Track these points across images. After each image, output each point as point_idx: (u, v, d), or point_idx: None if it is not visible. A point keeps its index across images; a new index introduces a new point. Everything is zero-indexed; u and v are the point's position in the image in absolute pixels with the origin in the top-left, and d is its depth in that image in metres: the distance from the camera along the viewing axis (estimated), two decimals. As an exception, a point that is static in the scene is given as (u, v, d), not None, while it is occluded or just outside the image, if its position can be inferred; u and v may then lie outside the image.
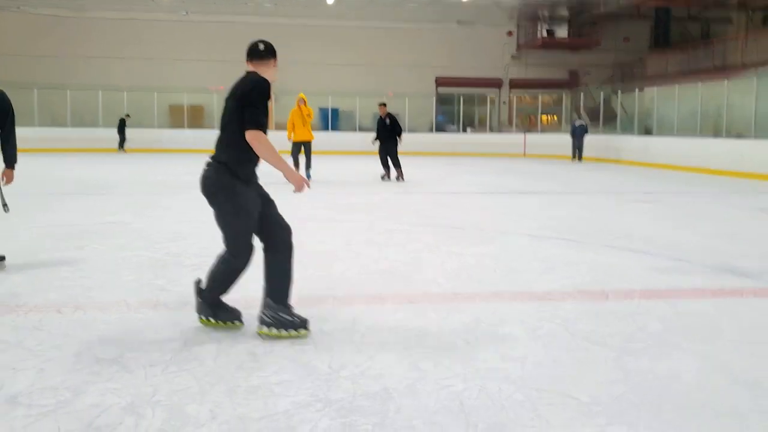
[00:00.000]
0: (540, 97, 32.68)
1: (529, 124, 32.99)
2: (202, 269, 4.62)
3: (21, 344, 3.73)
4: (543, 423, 2.82)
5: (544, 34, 31.40)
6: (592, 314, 4.47)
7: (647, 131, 23.99)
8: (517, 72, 33.54)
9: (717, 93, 19.20)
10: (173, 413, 2.85)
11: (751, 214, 10.21)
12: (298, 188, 3.78)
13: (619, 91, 25.85)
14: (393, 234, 7.62)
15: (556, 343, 3.88)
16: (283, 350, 3.66)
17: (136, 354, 3.58)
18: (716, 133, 19.70)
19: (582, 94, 30.60)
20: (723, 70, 22.86)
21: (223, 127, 3.76)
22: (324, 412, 2.88)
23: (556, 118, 33.90)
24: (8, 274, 5.37)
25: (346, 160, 22.91)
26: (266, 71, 3.80)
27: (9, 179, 5.50)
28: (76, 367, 3.37)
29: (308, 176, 12.98)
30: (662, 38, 33.59)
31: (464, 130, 31.14)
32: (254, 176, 3.82)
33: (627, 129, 25.65)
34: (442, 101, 32.55)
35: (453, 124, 32.38)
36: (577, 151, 24.00)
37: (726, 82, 19.10)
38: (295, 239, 3.94)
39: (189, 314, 4.16)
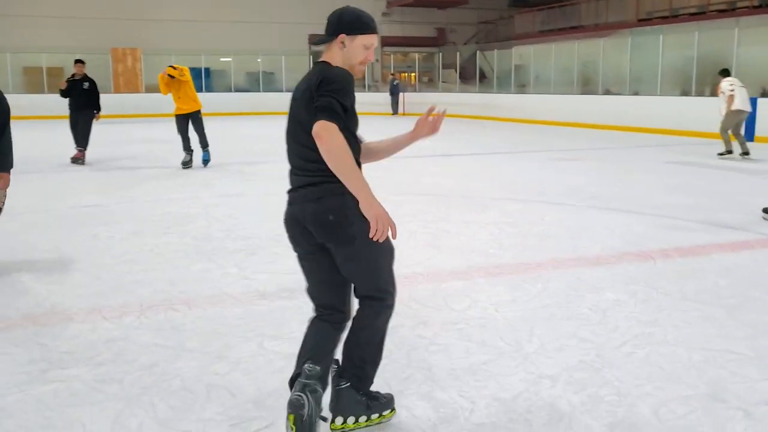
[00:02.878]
0: (414, 56, 33.12)
1: (405, 83, 33.40)
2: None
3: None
4: (732, 378, 3.04)
5: (414, -10, 31.74)
6: (659, 275, 4.78)
7: (521, 89, 25.16)
8: (388, 30, 33.69)
9: (593, 51, 20.46)
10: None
11: (675, 167, 11.11)
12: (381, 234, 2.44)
13: (495, 51, 26.76)
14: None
15: (668, 305, 4.13)
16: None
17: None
18: (589, 90, 21.10)
19: (443, 53, 31.36)
20: (595, 28, 24.29)
21: None
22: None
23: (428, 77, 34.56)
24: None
25: (227, 123, 22.11)
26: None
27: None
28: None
29: (206, 158, 10.81)
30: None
31: (341, 89, 30.92)
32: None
33: (501, 87, 26.75)
34: (317, 59, 32.05)
35: (328, 82, 32.09)
36: (395, 107, 26.44)
37: (602, 41, 20.38)
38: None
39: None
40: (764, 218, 6.60)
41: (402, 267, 4.90)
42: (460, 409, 2.85)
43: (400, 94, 27.73)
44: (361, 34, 2.52)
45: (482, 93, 26.20)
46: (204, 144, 10.81)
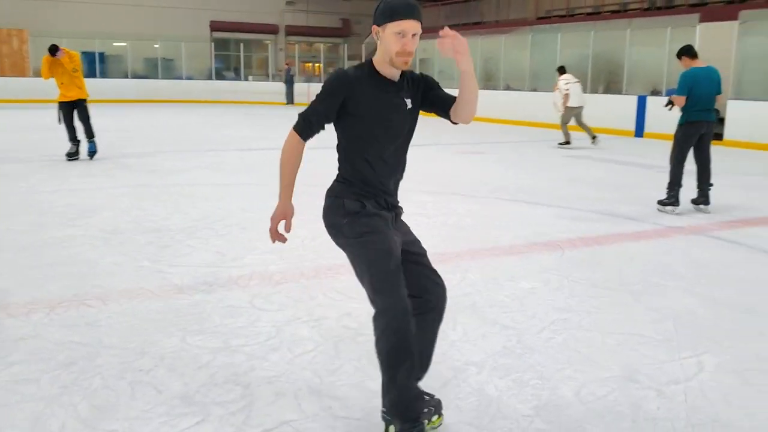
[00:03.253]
0: (319, 46, 32.91)
1: (310, 73, 33.20)
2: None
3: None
4: (643, 360, 3.23)
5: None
6: (569, 264, 4.99)
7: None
8: (293, 19, 33.34)
9: (495, 47, 21.00)
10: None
11: (573, 161, 11.60)
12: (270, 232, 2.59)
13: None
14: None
15: (579, 291, 4.32)
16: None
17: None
18: (491, 85, 21.67)
19: (347, 45, 31.38)
20: (496, 25, 24.88)
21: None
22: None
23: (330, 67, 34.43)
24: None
25: (124, 111, 21.30)
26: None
27: None
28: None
29: (92, 149, 10.08)
30: (426, -9, 35.57)
31: (246, 78, 30.38)
32: (381, 197, 2.61)
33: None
34: (219, 47, 31.36)
35: (230, 70, 31.48)
36: (290, 96, 26.45)
37: (503, 37, 20.95)
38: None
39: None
40: (659, 209, 7.02)
41: (323, 258, 4.92)
42: (392, 397, 2.88)
43: (295, 84, 27.58)
44: (390, 21, 2.34)
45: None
46: (90, 135, 10.02)
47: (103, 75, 27.94)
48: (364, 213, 2.48)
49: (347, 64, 30.14)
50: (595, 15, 21.36)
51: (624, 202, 7.58)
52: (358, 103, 2.41)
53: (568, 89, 12.95)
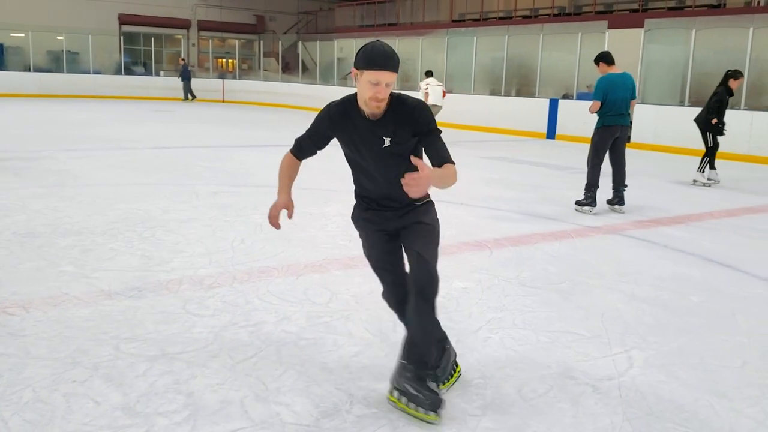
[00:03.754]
0: (234, 42, 32.30)
1: (224, 69, 32.56)
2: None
3: None
4: (577, 357, 3.36)
5: (233, -25, 30.89)
6: (497, 263, 5.12)
7: (344, 81, 25.53)
8: (205, 14, 32.59)
9: (412, 48, 21.22)
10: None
11: (490, 162, 11.87)
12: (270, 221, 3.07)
13: (318, 42, 26.83)
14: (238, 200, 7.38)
15: (510, 291, 4.43)
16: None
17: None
18: (409, 87, 21.90)
19: (263, 41, 30.98)
20: (411, 27, 25.14)
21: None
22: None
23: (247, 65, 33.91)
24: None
25: (27, 106, 20.30)
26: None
27: None
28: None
29: None
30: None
31: (157, 74, 29.46)
32: (372, 206, 2.94)
33: (324, 79, 26.92)
34: (129, 41, 30.27)
35: (140, 65, 30.47)
36: (187, 92, 25.98)
37: (421, 39, 21.20)
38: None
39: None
40: (577, 210, 7.29)
41: (254, 261, 4.85)
42: (340, 402, 2.88)
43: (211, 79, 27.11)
44: (367, 69, 2.55)
45: (306, 84, 26.22)
46: None
47: (2, 67, 26.52)
48: (357, 218, 3.00)
49: (262, 61, 29.81)
50: (507, 19, 21.95)
51: (542, 202, 7.83)
52: (340, 135, 2.80)
53: (427, 89, 14.83)
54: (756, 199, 8.70)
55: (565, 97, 17.09)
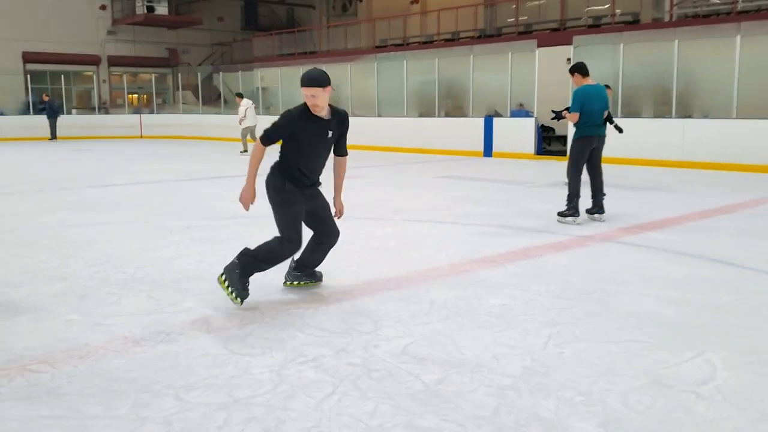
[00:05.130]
0: (148, 76, 31.35)
1: (141, 104, 31.52)
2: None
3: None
4: (657, 364, 3.27)
5: (144, 10, 30.07)
6: (519, 278, 5.01)
7: (268, 110, 25.18)
8: (115, 49, 31.54)
9: (342, 74, 21.16)
10: None
11: (447, 181, 11.86)
12: (241, 201, 4.27)
13: (240, 72, 26.38)
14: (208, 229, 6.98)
15: (549, 304, 4.32)
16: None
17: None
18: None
19: (182, 73, 30.28)
20: (328, 54, 25.10)
21: None
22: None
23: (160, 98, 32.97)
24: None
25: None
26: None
27: None
28: None
29: None
30: (252, 20, 35.27)
31: (69, 112, 28.15)
32: (305, 180, 4.32)
33: (235, 108, 26.40)
34: (35, 80, 28.84)
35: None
36: (53, 130, 24.51)
37: (349, 65, 21.18)
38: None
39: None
40: (559, 221, 7.32)
41: (272, 293, 4.63)
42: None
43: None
44: (303, 87, 4.03)
45: (229, 114, 25.67)
46: None
47: None
48: (283, 189, 4.24)
49: (181, 94, 29.06)
50: (429, 43, 22.27)
51: (521, 216, 7.83)
52: (298, 131, 4.14)
53: (246, 110, 17.75)
54: (713, 201, 9.01)
55: (496, 115, 17.40)
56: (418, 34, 23.63)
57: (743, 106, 13.15)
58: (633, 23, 17.66)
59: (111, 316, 4.18)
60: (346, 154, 4.53)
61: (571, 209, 7.26)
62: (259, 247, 4.29)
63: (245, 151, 17.72)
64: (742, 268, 5.35)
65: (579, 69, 7.31)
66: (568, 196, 7.30)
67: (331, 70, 21.06)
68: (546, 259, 5.67)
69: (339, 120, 4.26)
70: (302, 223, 4.35)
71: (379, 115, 20.10)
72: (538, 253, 5.91)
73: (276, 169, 4.28)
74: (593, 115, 7.17)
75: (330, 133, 4.23)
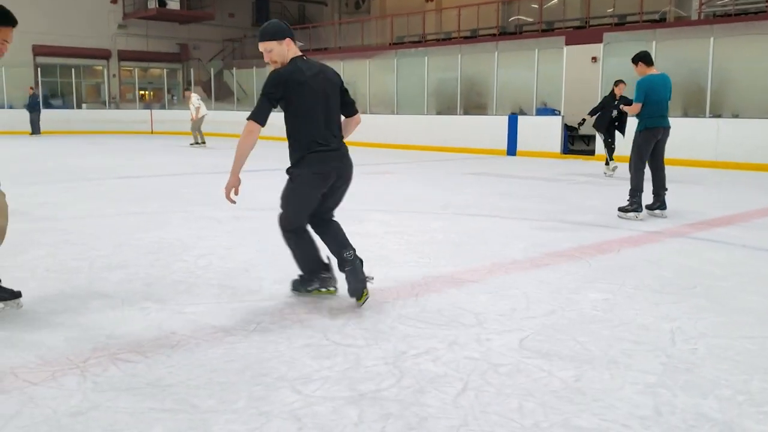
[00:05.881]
0: (158, 71, 31.07)
1: (150, 99, 31.21)
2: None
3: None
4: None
5: (156, 4, 29.74)
6: (607, 272, 4.73)
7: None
8: (126, 43, 31.22)
9: (359, 71, 20.88)
10: None
11: (479, 178, 11.59)
12: (225, 193, 3.71)
13: (254, 68, 26.07)
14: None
15: (651, 298, 4.04)
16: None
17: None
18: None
19: (193, 69, 29.97)
20: (343, 50, 24.82)
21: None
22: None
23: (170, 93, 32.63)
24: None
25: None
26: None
27: None
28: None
29: None
30: (264, 16, 34.96)
31: (79, 106, 27.84)
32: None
33: (248, 104, 26.15)
34: (45, 73, 28.52)
35: (58, 98, 28.78)
36: (35, 125, 23.65)
37: (368, 61, 20.90)
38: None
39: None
40: (620, 216, 7.03)
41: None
42: (621, 434, 2.38)
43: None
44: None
45: (242, 111, 25.37)
46: None
47: None
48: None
49: (194, 89, 28.75)
50: (447, 40, 21.98)
51: (572, 212, 7.53)
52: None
53: (199, 104, 18.09)
54: (766, 199, 8.72)
55: (521, 113, 17.12)
56: (435, 31, 23.34)
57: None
58: (660, 21, 17.38)
59: (188, 304, 3.90)
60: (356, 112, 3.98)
61: (634, 204, 6.97)
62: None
63: (198, 143, 18.47)
64: (836, 265, 5.06)
65: (643, 58, 7.02)
66: (631, 190, 7.01)
67: (348, 66, 20.89)
68: (625, 254, 5.39)
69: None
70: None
71: (398, 113, 19.81)
72: (614, 247, 5.62)
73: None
74: (659, 105, 6.89)
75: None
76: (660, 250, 5.60)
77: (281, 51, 3.55)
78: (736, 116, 13.90)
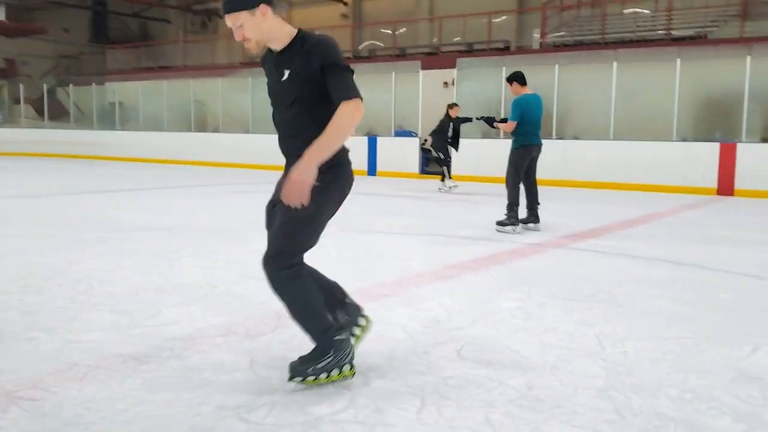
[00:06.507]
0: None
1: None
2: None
3: None
4: (735, 355, 3.15)
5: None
6: (510, 282, 4.78)
7: (127, 126, 23.58)
8: (-58, 55, 28.26)
9: (211, 89, 20.24)
10: None
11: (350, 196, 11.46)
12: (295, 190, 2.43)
13: (93, 85, 24.44)
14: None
15: (565, 306, 4.10)
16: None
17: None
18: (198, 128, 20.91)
19: (23, 85, 27.70)
20: (185, 69, 24.03)
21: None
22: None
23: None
24: None
25: None
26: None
27: None
28: None
29: None
30: (101, 32, 33.16)
31: None
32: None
33: (85, 123, 24.64)
34: None
35: None
36: None
37: (220, 80, 20.32)
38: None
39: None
40: (498, 230, 7.22)
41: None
42: (595, 439, 2.34)
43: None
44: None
45: (80, 130, 23.76)
46: None
47: None
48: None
49: (23, 108, 26.50)
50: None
51: (456, 227, 7.65)
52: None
53: None
54: (621, 212, 9.33)
55: (373, 134, 17.35)
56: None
57: (618, 130, 14.00)
58: (505, 49, 18.39)
59: (82, 332, 3.45)
60: (347, 97, 2.43)
61: (512, 218, 7.19)
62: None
63: None
64: (710, 270, 5.45)
65: (518, 78, 7.30)
66: (508, 205, 7.23)
67: (198, 84, 20.21)
68: (519, 265, 5.50)
69: (302, 51, 2.52)
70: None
71: (252, 132, 19.40)
72: (506, 259, 5.73)
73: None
74: (533, 124, 7.18)
75: (286, 73, 2.56)
76: (549, 260, 5.77)
77: (257, 24, 2.49)
78: (577, 138, 14.93)
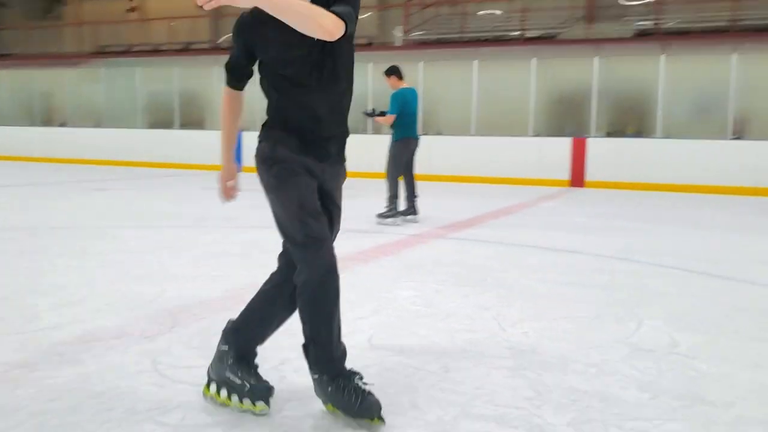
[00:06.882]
0: None
1: None
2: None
3: None
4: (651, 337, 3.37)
5: None
6: (404, 272, 4.82)
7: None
8: None
9: (57, 80, 18.91)
10: None
11: (200, 192, 11.10)
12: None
13: None
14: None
15: (465, 292, 4.19)
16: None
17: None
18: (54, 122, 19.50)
19: None
20: (33, 57, 22.30)
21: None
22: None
23: None
24: None
25: None
26: None
27: None
28: None
29: None
30: None
31: None
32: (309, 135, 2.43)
33: None
34: None
35: None
36: None
37: (69, 70, 19.02)
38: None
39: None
40: (380, 222, 7.28)
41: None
42: None
43: None
44: None
45: None
46: None
47: None
48: (273, 157, 2.52)
49: None
50: (158, 52, 20.97)
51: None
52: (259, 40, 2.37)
53: None
54: (489, 204, 9.71)
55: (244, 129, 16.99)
56: (142, 41, 22.09)
57: (480, 126, 14.56)
58: (368, 45, 18.58)
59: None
60: (338, 14, 2.09)
61: (392, 210, 7.27)
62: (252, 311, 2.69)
63: None
64: (577, 253, 5.79)
65: (396, 71, 7.38)
66: (389, 197, 7.31)
67: (42, 75, 18.80)
68: (406, 255, 5.58)
69: None
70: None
71: (104, 126, 18.33)
72: (393, 250, 5.79)
73: (263, 131, 2.50)
74: (411, 117, 7.30)
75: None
76: (431, 250, 5.90)
77: None
78: (440, 134, 15.38)
